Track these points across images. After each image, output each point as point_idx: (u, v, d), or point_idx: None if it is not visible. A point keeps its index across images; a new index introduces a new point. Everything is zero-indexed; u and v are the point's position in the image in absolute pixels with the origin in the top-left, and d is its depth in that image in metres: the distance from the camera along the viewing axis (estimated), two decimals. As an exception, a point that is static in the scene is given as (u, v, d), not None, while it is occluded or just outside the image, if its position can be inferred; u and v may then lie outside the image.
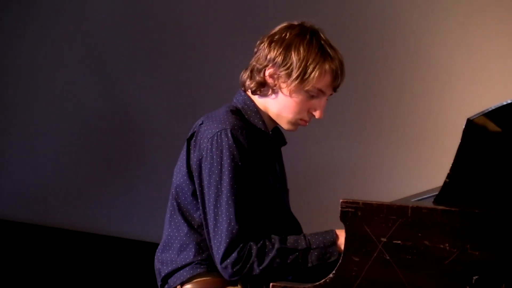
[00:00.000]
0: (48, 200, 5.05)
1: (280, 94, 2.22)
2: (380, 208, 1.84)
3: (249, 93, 2.27)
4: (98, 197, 4.94)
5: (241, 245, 2.09)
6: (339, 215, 1.88)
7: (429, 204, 1.88)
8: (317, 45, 2.18)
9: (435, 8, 4.01)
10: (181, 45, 4.67)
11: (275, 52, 2.20)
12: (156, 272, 2.31)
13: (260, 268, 2.08)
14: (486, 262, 1.77)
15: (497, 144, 1.99)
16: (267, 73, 2.21)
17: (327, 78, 2.19)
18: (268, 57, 2.21)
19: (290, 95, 2.20)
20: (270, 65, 2.21)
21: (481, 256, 1.77)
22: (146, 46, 4.78)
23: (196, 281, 2.19)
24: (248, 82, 2.26)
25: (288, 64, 2.18)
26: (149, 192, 4.79)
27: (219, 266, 2.12)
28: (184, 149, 2.26)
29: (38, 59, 5.07)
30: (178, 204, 2.26)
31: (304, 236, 2.11)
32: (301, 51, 2.17)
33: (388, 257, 1.83)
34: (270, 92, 2.24)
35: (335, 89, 2.23)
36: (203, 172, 2.16)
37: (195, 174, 2.19)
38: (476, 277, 1.77)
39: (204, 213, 2.17)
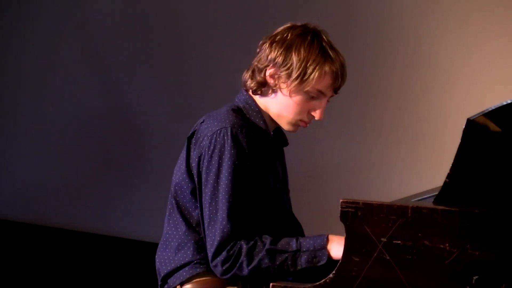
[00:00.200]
0: (48, 200, 5.05)
1: (280, 94, 2.22)
2: (380, 208, 1.84)
3: (250, 93, 2.27)
4: (98, 197, 4.94)
5: (231, 243, 2.09)
6: (339, 215, 1.88)
7: (429, 204, 1.88)
8: (318, 46, 2.18)
9: (435, 8, 4.01)
10: (182, 45, 4.67)
11: (276, 52, 2.20)
12: (157, 272, 2.31)
13: (249, 268, 2.07)
14: (486, 262, 1.77)
15: (497, 144, 1.99)
16: (267, 73, 2.22)
17: (327, 80, 2.18)
18: (269, 57, 2.21)
19: (290, 96, 2.20)
20: (271, 65, 2.21)
21: (481, 256, 1.77)
22: (146, 46, 4.78)
23: (195, 281, 2.19)
24: (249, 82, 2.26)
25: (289, 65, 2.18)
26: (149, 192, 4.79)
27: (210, 264, 2.13)
28: (185, 147, 2.26)
29: (38, 59, 5.07)
30: (177, 203, 2.26)
31: (297, 239, 2.09)
32: (302, 52, 2.17)
33: (388, 257, 1.83)
34: (270, 92, 2.24)
35: (335, 90, 2.23)
36: (201, 169, 2.17)
37: (194, 171, 2.20)
38: (476, 277, 1.77)
39: (201, 210, 2.18)
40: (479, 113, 1.87)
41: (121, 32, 4.83)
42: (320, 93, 2.20)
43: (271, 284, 1.97)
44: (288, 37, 2.20)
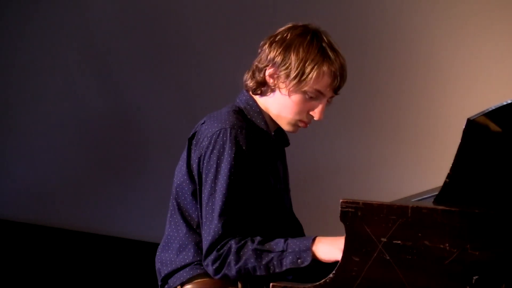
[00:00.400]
0: (48, 200, 5.05)
1: (279, 94, 2.22)
2: (380, 208, 1.84)
3: (251, 93, 2.27)
4: (98, 197, 4.94)
5: (223, 243, 2.10)
6: (339, 215, 1.88)
7: (429, 204, 1.88)
8: (317, 46, 2.18)
9: (435, 8, 4.01)
10: (182, 45, 4.67)
11: (275, 52, 2.20)
12: (157, 272, 2.31)
13: (236, 266, 2.07)
14: (486, 262, 1.77)
15: (497, 144, 1.99)
16: (267, 73, 2.22)
17: (326, 80, 2.17)
18: (269, 57, 2.21)
19: (289, 95, 2.19)
20: (270, 65, 2.21)
21: (481, 256, 1.77)
22: (146, 46, 4.78)
23: (196, 282, 2.19)
24: (249, 82, 2.26)
25: (287, 64, 2.18)
26: (149, 192, 4.79)
27: (203, 264, 2.14)
28: (185, 148, 2.27)
29: (39, 59, 5.07)
30: (178, 204, 2.26)
31: (286, 239, 2.08)
32: (300, 52, 2.17)
33: (388, 257, 1.83)
34: (270, 92, 2.24)
35: (335, 91, 2.22)
36: (201, 170, 2.17)
37: (195, 172, 2.20)
38: (476, 277, 1.77)
39: (200, 211, 2.18)
40: (479, 113, 1.87)
41: (122, 32, 4.83)
42: (319, 93, 2.19)
43: (271, 284, 1.97)
44: (288, 37, 2.20)
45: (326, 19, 4.14)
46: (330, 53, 2.18)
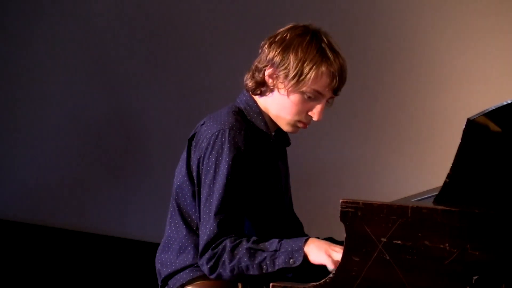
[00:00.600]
0: (48, 200, 5.05)
1: (278, 94, 2.21)
2: (380, 208, 1.84)
3: (251, 94, 2.27)
4: (98, 197, 4.94)
5: (217, 242, 2.09)
6: (339, 215, 1.88)
7: (429, 204, 1.88)
8: (316, 46, 2.17)
9: (435, 8, 4.01)
10: (183, 46, 4.67)
11: (274, 52, 2.20)
12: (157, 273, 2.31)
13: (230, 265, 2.06)
14: (486, 262, 1.77)
15: (497, 144, 1.99)
16: (266, 73, 2.21)
17: (324, 80, 2.16)
18: (268, 57, 2.21)
19: (288, 96, 2.19)
20: (269, 65, 2.21)
21: (481, 256, 1.77)
22: (148, 47, 4.78)
23: (196, 284, 2.19)
24: (248, 82, 2.26)
25: (286, 64, 2.17)
26: (149, 192, 4.79)
27: (198, 263, 2.14)
28: (185, 149, 2.26)
29: (40, 60, 5.07)
30: (178, 205, 2.26)
31: (280, 240, 2.07)
32: (299, 52, 2.16)
33: (388, 257, 1.83)
34: (269, 93, 2.24)
35: (335, 92, 2.21)
36: (200, 171, 2.17)
37: (194, 174, 2.20)
38: (476, 277, 1.77)
39: (198, 212, 2.18)
40: (479, 113, 1.87)
41: (123, 34, 4.83)
42: (318, 94, 2.18)
43: (271, 284, 1.97)
44: (287, 37, 2.20)
45: (326, 19, 4.14)
46: (329, 54, 2.17)
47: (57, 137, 5.04)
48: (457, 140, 1.85)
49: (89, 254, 4.73)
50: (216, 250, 2.09)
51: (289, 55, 2.17)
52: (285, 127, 2.26)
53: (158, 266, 2.30)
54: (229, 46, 4.48)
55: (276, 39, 2.21)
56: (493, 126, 1.94)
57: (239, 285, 2.14)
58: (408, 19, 4.08)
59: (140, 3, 4.79)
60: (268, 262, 2.04)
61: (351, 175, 4.24)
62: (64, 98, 5.02)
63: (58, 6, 4.98)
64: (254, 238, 2.10)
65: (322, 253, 2.00)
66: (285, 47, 2.18)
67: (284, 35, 2.21)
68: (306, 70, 2.15)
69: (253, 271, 2.05)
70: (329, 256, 1.99)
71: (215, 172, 2.12)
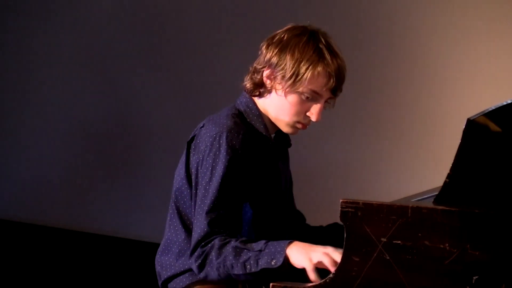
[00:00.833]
0: (48, 200, 5.05)
1: (276, 96, 2.21)
2: (380, 208, 1.84)
3: (250, 95, 2.27)
4: (98, 197, 4.94)
5: (207, 240, 2.09)
6: (339, 215, 1.88)
7: (429, 204, 1.88)
8: (313, 46, 2.16)
9: (435, 8, 4.01)
10: (182, 46, 4.67)
11: (272, 53, 2.19)
12: (157, 274, 2.31)
13: (217, 262, 2.06)
14: (486, 262, 1.77)
15: (497, 144, 1.99)
16: (264, 74, 2.21)
17: (321, 80, 2.15)
18: (266, 58, 2.20)
19: (285, 97, 2.18)
20: (267, 66, 2.20)
21: (481, 256, 1.77)
22: (147, 47, 4.78)
23: None
24: (247, 83, 2.26)
25: (283, 65, 2.16)
26: (149, 192, 4.79)
27: (188, 262, 2.14)
28: (184, 152, 2.26)
29: (39, 60, 5.07)
30: (177, 208, 2.26)
31: (267, 241, 2.06)
32: (296, 52, 2.15)
33: (388, 257, 1.83)
34: (267, 94, 2.23)
35: (333, 92, 2.20)
36: (198, 174, 2.17)
37: (193, 177, 2.19)
38: (476, 277, 1.77)
39: (193, 213, 2.18)
40: (479, 113, 1.87)
41: (122, 34, 4.83)
42: (315, 94, 2.17)
43: (271, 284, 1.97)
44: (285, 38, 2.19)
45: (325, 19, 4.14)
46: (326, 54, 2.15)
47: (57, 137, 5.04)
48: (457, 140, 1.85)
49: (89, 254, 4.73)
50: (205, 248, 2.09)
51: (286, 56, 2.16)
52: (284, 128, 2.25)
53: (158, 268, 2.30)
54: (230, 46, 4.48)
55: (274, 40, 2.21)
56: (493, 126, 1.94)
57: (239, 286, 2.13)
58: (411, 21, 4.08)
59: (141, 3, 4.79)
60: (252, 262, 2.02)
61: (351, 175, 4.24)
62: (64, 98, 5.01)
63: (58, 6, 4.98)
64: (243, 238, 2.09)
65: (302, 256, 1.98)
66: (282, 47, 2.18)
67: (282, 36, 2.20)
68: (302, 70, 2.14)
69: (237, 270, 2.03)
70: (309, 259, 1.97)
71: (211, 173, 2.12)
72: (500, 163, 1.99)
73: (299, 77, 2.14)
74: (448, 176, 1.87)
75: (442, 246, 1.79)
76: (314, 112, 2.20)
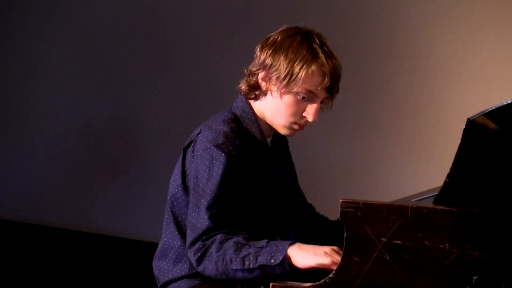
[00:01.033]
0: (48, 200, 5.05)
1: (272, 97, 2.20)
2: (380, 208, 1.84)
3: (246, 98, 2.26)
4: (98, 198, 4.94)
5: (210, 234, 2.09)
6: (339, 215, 1.88)
7: (429, 204, 1.88)
8: (307, 46, 2.15)
9: (435, 8, 4.01)
10: (185, 48, 4.67)
11: (266, 54, 2.19)
12: (155, 278, 2.31)
13: (216, 255, 2.05)
14: (486, 262, 1.77)
15: (497, 144, 1.99)
16: (259, 76, 2.20)
17: (316, 79, 2.15)
18: (260, 60, 2.20)
19: (281, 98, 2.17)
20: (262, 68, 2.19)
21: (481, 256, 1.77)
22: (148, 48, 4.78)
23: None
24: (243, 86, 2.25)
25: (277, 66, 2.16)
26: (149, 192, 4.79)
27: (188, 254, 2.13)
28: (180, 158, 2.25)
29: (39, 60, 5.07)
30: (173, 214, 2.25)
31: (269, 240, 2.06)
32: (290, 52, 2.15)
33: (388, 257, 1.83)
34: (263, 96, 2.23)
35: (329, 92, 2.19)
36: (196, 179, 2.16)
37: (191, 183, 2.18)
38: (476, 277, 1.77)
39: (190, 210, 2.17)
40: (479, 113, 1.87)
41: (123, 34, 4.83)
42: (311, 93, 2.16)
43: (271, 284, 1.97)
44: (279, 39, 2.19)
45: (324, 19, 4.14)
46: (320, 53, 2.15)
47: (58, 137, 5.04)
48: (457, 140, 1.85)
49: (89, 254, 4.73)
50: (206, 242, 2.08)
51: (280, 56, 2.16)
52: (281, 130, 2.24)
53: (156, 272, 2.29)
54: (231, 48, 4.48)
55: (268, 42, 2.21)
56: (493, 126, 1.94)
57: (237, 286, 2.13)
58: (412, 21, 4.07)
59: (140, 4, 4.79)
60: (251, 258, 2.02)
61: (351, 175, 4.24)
62: (65, 98, 5.01)
63: (58, 6, 4.98)
64: (246, 235, 2.09)
65: (309, 256, 1.98)
66: (276, 48, 2.17)
67: (276, 37, 2.20)
68: (296, 70, 2.13)
69: (235, 265, 2.03)
70: (319, 255, 1.97)
71: (209, 174, 2.11)
72: (500, 163, 1.99)
73: (294, 76, 2.13)
74: (448, 176, 1.87)
75: (442, 246, 1.79)
76: (310, 112, 2.19)
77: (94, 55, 4.92)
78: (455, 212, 1.79)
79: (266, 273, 2.02)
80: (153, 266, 2.31)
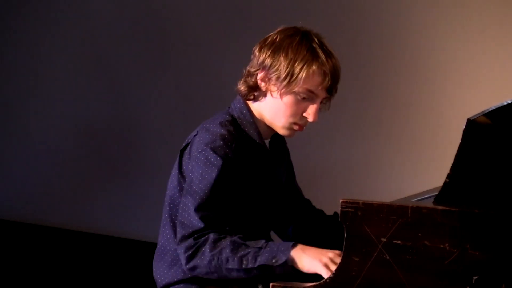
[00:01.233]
0: (48, 200, 5.05)
1: (272, 98, 2.19)
2: (380, 208, 1.84)
3: (245, 99, 2.26)
4: (98, 197, 4.94)
5: (202, 233, 2.07)
6: (339, 215, 1.88)
7: (429, 204, 1.88)
8: (306, 46, 2.15)
9: (435, 8, 4.01)
10: (186, 48, 4.67)
11: (265, 55, 2.18)
12: (154, 279, 2.31)
13: (210, 254, 2.03)
14: (486, 262, 1.77)
15: (497, 144, 1.99)
16: (258, 77, 2.20)
17: (316, 79, 2.14)
18: (259, 61, 2.19)
19: (281, 98, 2.17)
20: (261, 68, 2.19)
21: (481, 256, 1.77)
22: (148, 48, 4.78)
23: None
24: (241, 87, 2.25)
25: (277, 66, 2.15)
26: (149, 192, 4.79)
27: (178, 251, 2.11)
28: (177, 160, 2.25)
29: (39, 60, 5.07)
30: (170, 216, 2.24)
31: (267, 240, 2.06)
32: (289, 52, 2.14)
33: (388, 257, 1.83)
34: (262, 97, 2.22)
35: (329, 92, 2.19)
36: (190, 180, 2.15)
37: (186, 185, 2.18)
38: (476, 277, 1.77)
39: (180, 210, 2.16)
40: (479, 113, 1.87)
41: (122, 34, 4.83)
42: (311, 93, 2.16)
43: (271, 284, 1.97)
44: (277, 39, 2.18)
45: (324, 19, 4.14)
46: (320, 53, 2.15)
47: (57, 137, 5.04)
48: (457, 140, 1.85)
49: (89, 254, 4.73)
50: (198, 240, 2.07)
51: (280, 57, 2.15)
52: (281, 131, 2.24)
53: (155, 274, 2.29)
54: (232, 48, 4.48)
55: (266, 42, 2.20)
56: (493, 126, 1.94)
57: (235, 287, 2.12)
58: (412, 21, 4.07)
59: (140, 4, 4.79)
60: (250, 258, 2.00)
61: (351, 175, 4.24)
62: (65, 99, 5.01)
63: (58, 7, 4.98)
64: (240, 235, 2.07)
65: (315, 261, 1.97)
66: (276, 49, 2.17)
67: (274, 37, 2.19)
68: (297, 70, 2.13)
69: (232, 264, 2.01)
70: (325, 264, 1.96)
71: (202, 176, 2.10)
72: (500, 163, 1.99)
73: (294, 77, 2.13)
74: (448, 176, 1.87)
75: (442, 246, 1.79)
76: (310, 112, 2.18)
77: (94, 56, 4.92)
78: (455, 212, 1.79)
79: (264, 273, 2.01)
80: (153, 267, 2.30)
